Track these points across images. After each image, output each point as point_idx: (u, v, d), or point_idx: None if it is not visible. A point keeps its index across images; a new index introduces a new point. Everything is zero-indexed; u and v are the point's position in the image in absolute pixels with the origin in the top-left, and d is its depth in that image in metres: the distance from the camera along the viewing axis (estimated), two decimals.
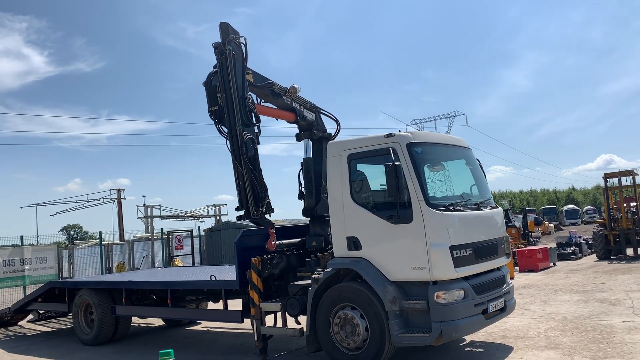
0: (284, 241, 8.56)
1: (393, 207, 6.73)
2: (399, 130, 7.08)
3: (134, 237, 32.62)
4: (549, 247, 19.67)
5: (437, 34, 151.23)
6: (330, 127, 9.57)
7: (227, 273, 9.56)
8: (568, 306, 10.54)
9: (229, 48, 7.86)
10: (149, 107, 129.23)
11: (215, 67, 8.20)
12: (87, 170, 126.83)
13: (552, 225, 48.78)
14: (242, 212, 8.23)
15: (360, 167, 7.33)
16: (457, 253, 6.54)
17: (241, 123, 7.94)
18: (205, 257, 26.23)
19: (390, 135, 6.94)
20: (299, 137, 9.32)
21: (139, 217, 32.02)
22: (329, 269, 7.27)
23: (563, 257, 21.07)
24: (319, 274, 7.38)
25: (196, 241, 25.59)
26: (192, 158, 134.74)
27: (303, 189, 9.06)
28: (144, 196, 53.62)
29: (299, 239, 8.80)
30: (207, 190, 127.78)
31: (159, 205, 32.05)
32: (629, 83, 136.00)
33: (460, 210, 6.89)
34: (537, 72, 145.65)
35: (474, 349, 7.83)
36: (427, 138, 7.28)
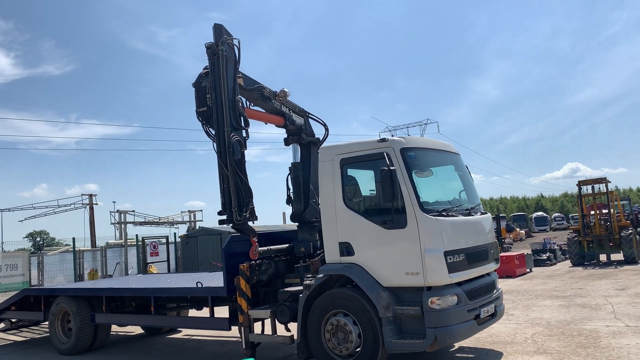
0: (271, 247, 8.45)
1: (386, 212, 6.70)
2: (392, 135, 7.07)
3: (107, 243, 31.93)
4: (525, 254, 19.96)
5: (409, 42, 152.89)
6: (318, 132, 9.52)
7: (212, 280, 9.38)
8: (551, 311, 10.66)
9: (222, 49, 7.72)
10: (119, 111, 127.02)
11: (205, 67, 8.06)
12: (54, 176, 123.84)
13: (522, 232, 49.65)
14: (224, 217, 7.98)
15: (352, 172, 7.29)
16: (450, 258, 6.53)
17: (229, 125, 7.79)
18: (181, 264, 25.79)
19: (383, 140, 6.91)
20: (287, 142, 9.23)
21: (112, 223, 31.37)
22: (320, 275, 7.18)
23: (538, 263, 21.43)
24: (310, 280, 7.28)
25: (172, 248, 25.16)
26: (163, 164, 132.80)
27: (291, 194, 8.97)
28: (114, 202, 52.87)
29: (287, 245, 8.69)
30: (178, 197, 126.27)
31: (133, 211, 31.45)
32: (594, 94, 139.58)
33: (452, 216, 6.90)
34: (505, 82, 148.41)
35: (464, 355, 7.83)
36: (420, 143, 7.27)
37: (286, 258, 8.60)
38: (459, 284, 6.69)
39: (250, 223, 8.05)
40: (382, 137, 6.99)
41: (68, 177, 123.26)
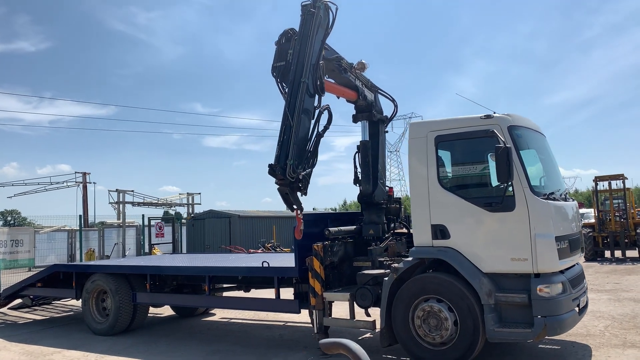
0: (342, 228, 8.03)
1: (492, 193, 6.34)
2: (494, 112, 6.63)
3: (103, 223, 31.09)
4: None
5: (391, 37, 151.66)
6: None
7: (253, 260, 8.89)
8: (605, 305, 10.41)
9: (319, 6, 7.26)
10: (95, 92, 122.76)
11: (289, 28, 7.62)
12: (25, 154, 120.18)
13: None
14: (275, 169, 7.01)
15: (448, 150, 6.87)
16: (559, 244, 6.19)
17: (306, 77, 7.21)
18: (185, 246, 25.16)
19: (488, 116, 6.50)
20: (355, 119, 8.77)
21: (110, 203, 30.50)
22: (410, 258, 6.78)
23: None
24: (398, 263, 6.88)
25: (177, 229, 24.48)
26: (137, 147, 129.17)
27: (359, 173, 8.53)
28: (94, 182, 50.77)
29: (354, 227, 8.28)
30: (151, 180, 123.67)
31: (132, 191, 30.57)
32: (569, 96, 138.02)
33: (557, 200, 6.55)
34: (484, 80, 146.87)
35: (549, 347, 7.50)
36: (524, 122, 6.84)
37: (353, 240, 8.20)
38: (561, 271, 6.36)
39: (298, 195, 7.43)
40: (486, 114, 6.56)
41: (39, 157, 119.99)
